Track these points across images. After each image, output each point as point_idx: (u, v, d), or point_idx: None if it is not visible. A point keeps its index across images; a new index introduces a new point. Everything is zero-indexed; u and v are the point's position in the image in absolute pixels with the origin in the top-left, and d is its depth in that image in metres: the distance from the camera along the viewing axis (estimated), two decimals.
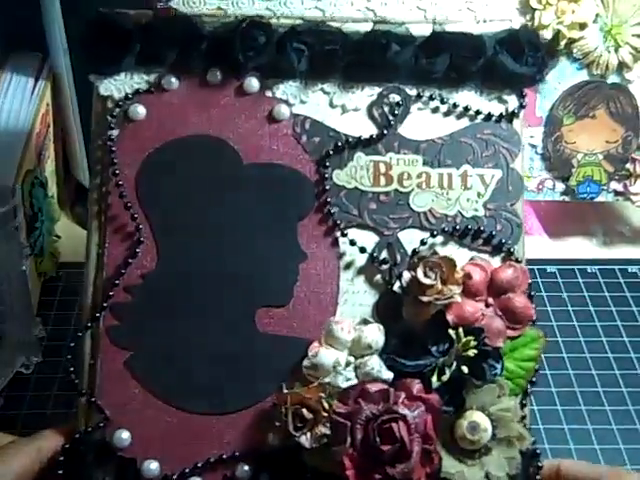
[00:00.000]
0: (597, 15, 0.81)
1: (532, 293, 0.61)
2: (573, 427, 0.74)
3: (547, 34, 0.78)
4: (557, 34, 0.78)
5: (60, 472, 0.57)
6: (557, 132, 0.84)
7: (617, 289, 0.86)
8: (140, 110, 0.62)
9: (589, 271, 0.88)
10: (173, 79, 0.62)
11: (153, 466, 0.58)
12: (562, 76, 0.82)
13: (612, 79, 0.84)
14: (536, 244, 0.89)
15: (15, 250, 0.69)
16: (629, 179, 0.87)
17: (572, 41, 0.80)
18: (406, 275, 0.59)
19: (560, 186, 0.87)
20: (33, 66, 0.84)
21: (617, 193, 0.88)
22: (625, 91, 0.84)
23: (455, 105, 0.63)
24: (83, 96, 0.82)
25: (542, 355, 0.61)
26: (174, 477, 0.58)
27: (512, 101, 0.64)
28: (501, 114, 0.63)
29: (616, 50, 0.82)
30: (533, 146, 0.85)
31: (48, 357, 0.76)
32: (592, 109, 0.84)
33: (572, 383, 0.78)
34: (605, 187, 0.87)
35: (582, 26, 0.80)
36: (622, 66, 0.83)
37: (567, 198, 0.87)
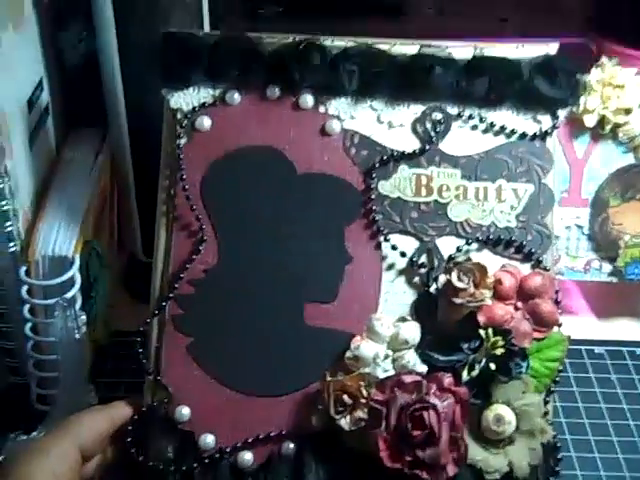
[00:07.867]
0: None
1: (559, 300, 0.66)
2: None
3: (592, 119, 0.80)
4: (602, 119, 0.80)
5: (128, 440, 0.64)
6: (604, 213, 0.84)
7: None
8: (206, 122, 0.68)
9: (638, 353, 0.86)
10: (236, 94, 0.69)
11: (209, 439, 0.64)
12: (608, 159, 0.83)
13: None
14: (583, 324, 0.88)
15: (71, 319, 0.71)
16: None
17: (617, 126, 0.80)
18: (442, 278, 0.65)
19: (607, 267, 0.85)
20: (93, 142, 0.83)
21: None
22: None
23: (492, 124, 0.68)
24: (140, 172, 0.84)
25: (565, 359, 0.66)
26: (227, 450, 0.64)
27: (546, 121, 0.69)
28: (535, 133, 0.68)
29: None
30: (579, 227, 0.84)
31: None
32: (638, 191, 0.83)
33: (621, 465, 0.75)
34: None
35: (627, 111, 0.80)
36: None
37: (615, 279, 0.86)
